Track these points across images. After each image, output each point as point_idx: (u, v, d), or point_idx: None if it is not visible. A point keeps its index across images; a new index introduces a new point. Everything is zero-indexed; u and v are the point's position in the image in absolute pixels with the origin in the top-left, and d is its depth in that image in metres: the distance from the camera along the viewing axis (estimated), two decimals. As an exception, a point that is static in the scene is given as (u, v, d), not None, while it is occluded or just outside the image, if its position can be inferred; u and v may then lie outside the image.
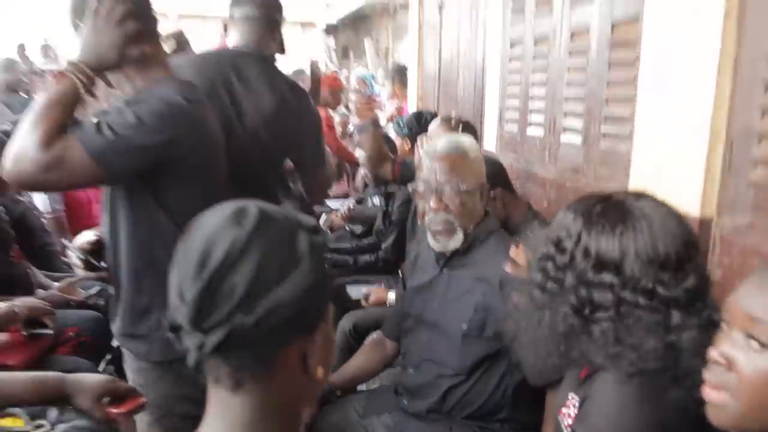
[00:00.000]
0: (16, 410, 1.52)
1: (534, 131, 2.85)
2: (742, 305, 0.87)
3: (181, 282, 0.73)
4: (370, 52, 12.31)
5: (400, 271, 3.01)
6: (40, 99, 1.43)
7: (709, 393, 0.90)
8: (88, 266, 1.66)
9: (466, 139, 1.87)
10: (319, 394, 0.87)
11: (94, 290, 2.82)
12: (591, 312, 1.09)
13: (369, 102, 6.91)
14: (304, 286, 0.73)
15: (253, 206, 0.77)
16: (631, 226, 1.09)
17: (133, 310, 1.62)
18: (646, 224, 1.09)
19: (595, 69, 2.28)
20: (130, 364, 1.70)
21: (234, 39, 2.21)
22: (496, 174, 2.34)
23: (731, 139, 1.64)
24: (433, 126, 2.81)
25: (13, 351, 2.15)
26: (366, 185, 4.32)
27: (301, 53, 16.31)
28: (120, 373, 1.93)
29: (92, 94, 1.47)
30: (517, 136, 3.04)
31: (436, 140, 1.97)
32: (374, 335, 2.34)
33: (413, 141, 3.33)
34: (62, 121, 1.39)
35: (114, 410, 1.34)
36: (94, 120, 1.42)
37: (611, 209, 1.13)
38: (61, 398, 1.37)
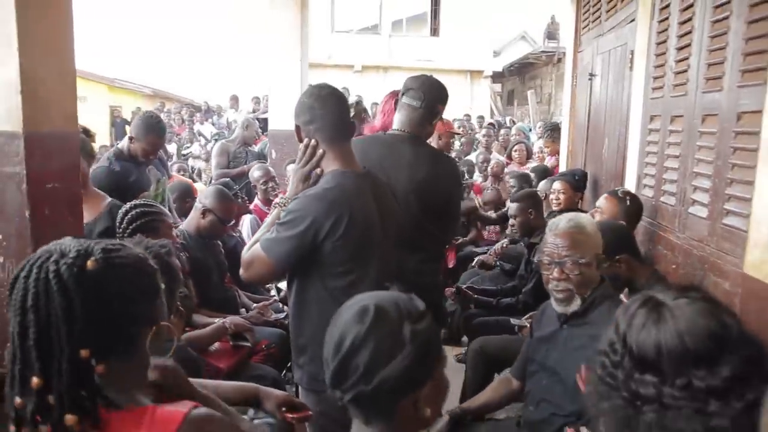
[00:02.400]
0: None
1: (667, 199, 2.92)
2: None
3: (327, 357, 1.07)
4: (532, 103, 12.38)
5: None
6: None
7: None
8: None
9: (584, 217, 2.07)
10: (430, 425, 1.15)
11: (282, 314, 3.32)
12: (641, 404, 1.13)
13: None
14: (408, 364, 1.03)
15: (372, 305, 1.07)
16: (663, 326, 1.11)
17: (295, 347, 2.00)
18: (673, 323, 1.10)
19: (722, 151, 2.35)
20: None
21: (396, 120, 2.49)
22: (624, 241, 2.48)
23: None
24: (601, 199, 3.02)
25: (223, 357, 2.66)
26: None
27: (467, 100, 16.82)
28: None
29: None
30: (652, 200, 3.11)
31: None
32: (504, 373, 2.55)
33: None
34: None
35: (290, 415, 1.72)
36: None
37: (651, 310, 1.16)
38: (255, 402, 1.77)
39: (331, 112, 1.91)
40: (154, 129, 3.35)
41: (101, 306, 1.04)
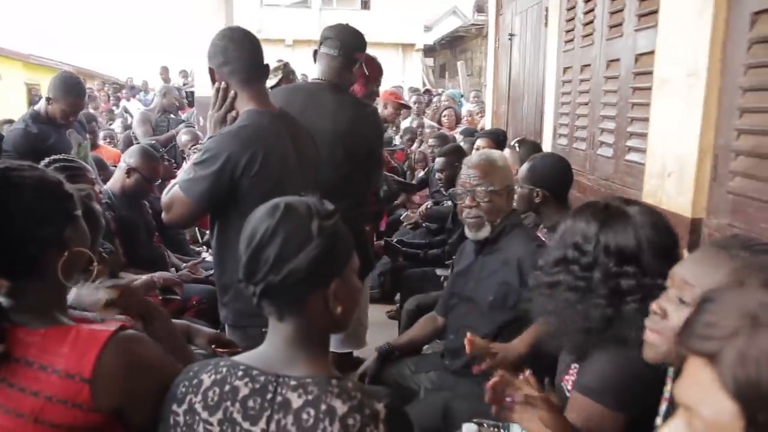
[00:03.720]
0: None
1: (578, 145, 3.09)
2: (680, 272, 1.08)
3: (241, 252, 1.10)
4: (462, 74, 12.57)
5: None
6: None
7: (647, 335, 1.12)
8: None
9: (495, 152, 2.18)
10: (344, 327, 1.21)
11: (212, 270, 3.33)
12: (620, 299, 1.28)
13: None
14: (314, 256, 1.06)
15: (282, 203, 1.11)
16: (636, 225, 1.29)
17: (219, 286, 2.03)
18: (643, 222, 1.29)
19: (623, 93, 2.51)
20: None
21: (317, 71, 2.53)
22: (549, 177, 2.50)
23: (716, 154, 1.86)
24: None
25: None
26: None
27: (400, 73, 16.87)
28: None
29: None
30: (566, 149, 3.28)
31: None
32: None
33: None
34: None
35: (219, 350, 1.76)
36: None
37: (617, 214, 1.33)
38: (186, 338, 1.80)
39: (246, 54, 1.92)
40: (73, 89, 3.24)
41: None
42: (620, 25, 2.56)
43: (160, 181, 3.45)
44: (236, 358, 1.12)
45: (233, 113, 1.94)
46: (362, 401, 1.01)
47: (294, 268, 1.05)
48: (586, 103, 2.97)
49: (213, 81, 1.96)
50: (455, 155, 3.76)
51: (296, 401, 1.02)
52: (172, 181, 1.98)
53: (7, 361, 1.04)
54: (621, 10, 2.55)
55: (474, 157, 2.14)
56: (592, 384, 1.35)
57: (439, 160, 3.80)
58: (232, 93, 1.92)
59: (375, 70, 3.07)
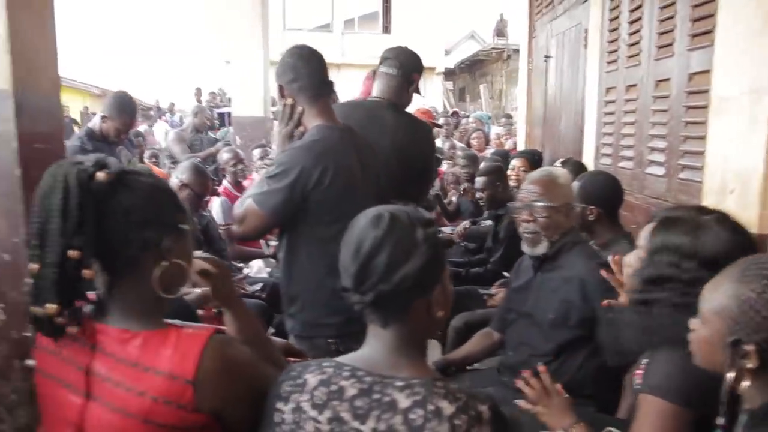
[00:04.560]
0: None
1: (624, 164, 3.10)
2: (701, 297, 1.16)
3: (345, 264, 1.12)
4: (485, 97, 12.67)
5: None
6: None
7: (690, 347, 1.20)
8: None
9: (557, 169, 2.21)
10: (439, 330, 1.24)
11: (257, 285, 3.38)
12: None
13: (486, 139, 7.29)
14: (422, 264, 1.10)
15: (386, 212, 1.14)
16: (715, 235, 1.36)
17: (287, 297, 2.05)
18: (730, 227, 1.37)
19: (675, 112, 2.54)
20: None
21: (375, 88, 2.62)
22: (601, 194, 2.50)
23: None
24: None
25: (208, 322, 2.69)
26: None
27: (421, 96, 16.99)
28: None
29: None
30: (611, 168, 3.29)
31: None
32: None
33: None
34: None
35: (291, 359, 1.79)
36: None
37: (703, 225, 1.39)
38: None
39: (314, 70, 1.99)
40: (127, 108, 3.35)
41: (98, 215, 1.07)
42: (670, 45, 2.60)
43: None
44: (339, 358, 1.14)
45: (300, 129, 1.99)
46: (467, 402, 1.03)
47: (404, 276, 1.08)
48: (633, 123, 2.99)
49: (282, 97, 2.01)
50: (496, 175, 3.79)
51: (404, 402, 1.04)
52: (244, 194, 2.03)
53: (113, 361, 1.08)
54: (671, 31, 2.59)
55: (536, 173, 2.17)
56: (659, 383, 1.38)
57: (479, 180, 3.83)
58: (299, 109, 1.98)
59: None
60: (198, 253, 1.37)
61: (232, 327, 1.37)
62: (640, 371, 1.51)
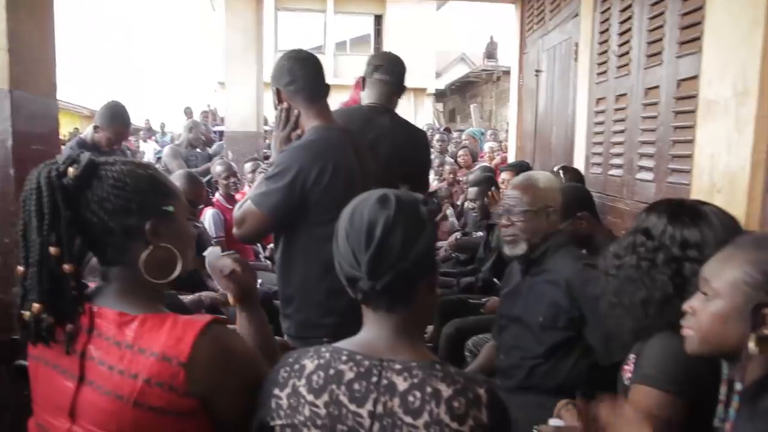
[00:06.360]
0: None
1: (615, 172, 3.14)
2: (702, 271, 1.18)
3: (355, 252, 1.09)
4: (476, 116, 12.79)
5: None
6: None
7: (684, 331, 1.20)
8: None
9: (539, 173, 2.23)
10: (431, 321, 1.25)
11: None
12: (681, 283, 1.37)
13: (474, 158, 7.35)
14: (431, 240, 1.12)
15: (388, 193, 1.14)
16: (707, 222, 1.39)
17: (283, 298, 2.06)
18: (718, 222, 1.39)
19: (664, 118, 2.58)
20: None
21: (369, 95, 2.63)
22: (583, 199, 2.63)
23: (769, 168, 1.91)
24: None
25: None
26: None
27: (412, 117, 17.14)
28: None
29: None
30: (601, 176, 3.33)
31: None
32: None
33: None
34: None
35: None
36: None
37: (690, 210, 1.43)
38: None
39: (311, 72, 2.01)
40: (119, 117, 3.34)
41: (76, 210, 1.09)
42: (659, 53, 2.65)
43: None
44: (337, 344, 1.13)
45: (298, 132, 2.01)
46: (465, 385, 1.03)
47: (419, 252, 1.08)
48: (623, 131, 3.04)
49: (279, 101, 2.02)
50: (486, 184, 3.83)
51: (402, 384, 1.04)
52: (243, 197, 2.03)
53: (109, 344, 1.08)
54: (660, 40, 2.65)
55: (517, 179, 2.20)
56: (650, 372, 1.39)
57: (471, 190, 3.86)
58: (295, 112, 1.99)
59: None
60: (228, 253, 1.40)
61: (245, 329, 1.38)
62: (627, 366, 1.52)
